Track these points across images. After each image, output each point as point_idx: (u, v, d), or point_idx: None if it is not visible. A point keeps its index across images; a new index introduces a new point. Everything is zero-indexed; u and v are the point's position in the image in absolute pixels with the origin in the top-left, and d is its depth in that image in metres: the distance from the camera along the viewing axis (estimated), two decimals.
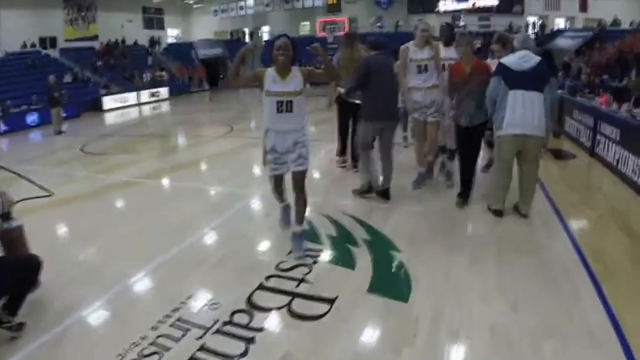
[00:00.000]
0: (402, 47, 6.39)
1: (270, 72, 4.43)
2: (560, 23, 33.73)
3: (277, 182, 4.94)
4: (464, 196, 5.89)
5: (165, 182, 8.17)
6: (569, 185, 6.96)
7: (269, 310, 3.74)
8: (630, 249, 4.63)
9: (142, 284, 4.38)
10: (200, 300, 3.93)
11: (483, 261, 4.37)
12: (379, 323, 3.53)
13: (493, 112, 5.31)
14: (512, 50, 5.41)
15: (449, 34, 6.73)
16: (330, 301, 3.78)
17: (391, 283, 4.09)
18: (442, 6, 33.57)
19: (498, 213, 5.51)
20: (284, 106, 4.40)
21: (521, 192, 5.51)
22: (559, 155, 8.67)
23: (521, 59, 5.13)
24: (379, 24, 35.22)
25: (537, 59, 5.17)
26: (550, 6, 33.90)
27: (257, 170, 8.34)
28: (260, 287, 4.11)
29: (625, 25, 28.84)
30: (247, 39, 39.08)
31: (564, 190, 6.62)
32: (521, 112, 5.07)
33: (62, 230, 6.14)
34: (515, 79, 5.08)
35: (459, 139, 5.93)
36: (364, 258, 4.55)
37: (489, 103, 5.30)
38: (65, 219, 6.45)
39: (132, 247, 5.24)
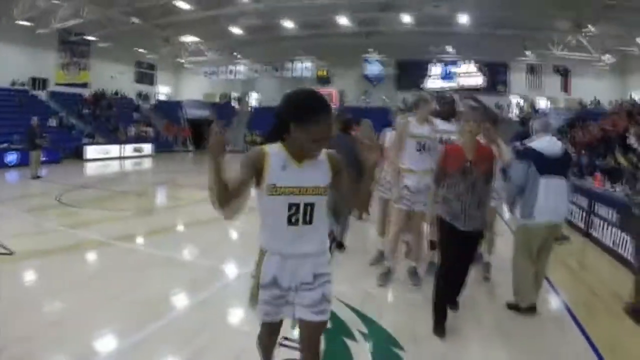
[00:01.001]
0: (400, 120, 5.76)
1: (276, 152, 2.60)
2: (542, 103, 34.61)
3: (272, 331, 2.99)
4: (442, 324, 4.41)
5: (140, 246, 7.55)
6: (569, 270, 6.67)
7: None
8: None
9: None
10: None
11: None
12: None
13: (513, 201, 4.96)
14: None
15: (451, 107, 5.86)
16: None
17: None
18: (429, 84, 34.17)
19: (533, 309, 4.91)
20: (301, 213, 2.62)
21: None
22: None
23: (550, 144, 4.84)
24: (363, 98, 35.82)
25: (561, 144, 4.95)
26: (533, 86, 34.82)
27: (239, 244, 7.87)
28: None
29: (605, 105, 29.64)
30: (234, 102, 39.41)
31: (566, 277, 6.33)
32: (554, 200, 4.73)
33: (15, 292, 5.22)
34: (547, 165, 4.77)
35: (446, 246, 4.53)
36: (361, 355, 3.97)
37: (515, 190, 4.87)
38: (24, 278, 5.75)
39: (96, 321, 4.51)
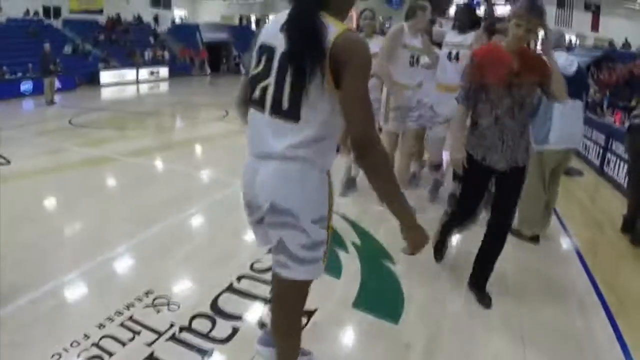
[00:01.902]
0: (394, 27, 5.11)
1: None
2: (571, 39, 33.48)
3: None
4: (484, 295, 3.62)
5: (147, 161, 7.60)
6: (579, 206, 6.47)
7: (235, 318, 3.18)
8: None
9: (94, 274, 3.78)
10: (158, 299, 3.38)
11: (488, 286, 3.68)
12: (362, 346, 2.99)
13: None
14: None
15: (466, 15, 5.19)
16: (308, 314, 3.19)
17: (381, 299, 3.52)
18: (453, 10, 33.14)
19: (536, 239, 4.81)
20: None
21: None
22: (566, 171, 8.15)
23: (567, 62, 4.39)
24: (387, 25, 34.88)
25: (576, 61, 4.56)
26: (562, 21, 33.59)
27: (240, 158, 7.80)
28: (230, 288, 3.55)
29: (634, 48, 28.65)
30: (253, 25, 38.64)
31: (575, 212, 6.13)
32: (569, 124, 4.48)
33: (18, 206, 5.35)
34: None
35: (473, 189, 3.58)
36: (352, 266, 3.98)
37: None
38: (29, 193, 5.86)
39: (91, 231, 4.68)
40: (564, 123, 4.46)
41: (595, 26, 33.02)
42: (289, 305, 2.12)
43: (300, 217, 1.82)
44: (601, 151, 8.49)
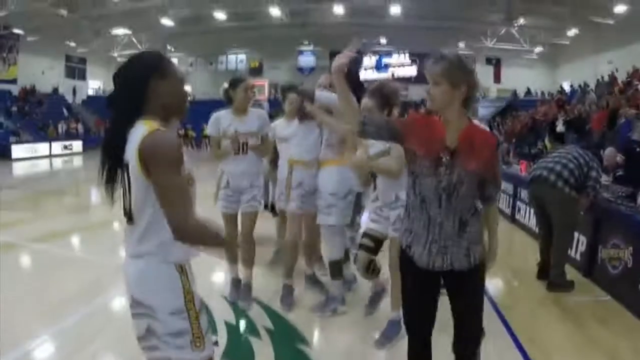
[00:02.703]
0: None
1: None
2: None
3: None
4: None
5: (52, 247, 7.21)
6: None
7: None
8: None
9: None
10: None
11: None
12: None
13: None
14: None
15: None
16: None
17: None
18: (362, 75, 34.51)
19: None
20: None
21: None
22: None
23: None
24: None
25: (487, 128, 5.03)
26: None
27: None
28: None
29: (537, 94, 30.71)
30: None
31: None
32: None
33: None
34: None
35: (415, 302, 2.73)
36: (266, 351, 3.90)
37: None
38: None
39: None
40: None
41: (497, 78, 35.35)
42: None
43: (156, 309, 1.96)
44: (511, 200, 9.00)
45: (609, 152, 8.43)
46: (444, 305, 2.68)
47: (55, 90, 32.32)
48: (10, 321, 4.39)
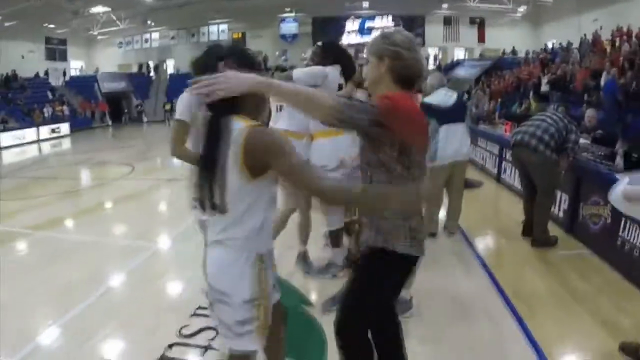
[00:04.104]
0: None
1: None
2: (459, 54, 35.57)
3: None
4: None
5: (56, 234, 7.40)
6: (482, 216, 7.20)
7: None
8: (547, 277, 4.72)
9: None
10: None
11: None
12: None
13: None
14: None
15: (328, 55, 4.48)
16: None
17: (304, 345, 3.70)
18: (345, 40, 34.45)
19: (433, 235, 6.06)
20: None
21: (449, 213, 6.26)
22: (466, 183, 8.75)
23: (446, 97, 5.79)
24: (284, 57, 35.73)
25: (455, 94, 5.93)
26: (450, 38, 35.76)
27: (152, 219, 8.07)
28: (163, 358, 3.64)
29: (521, 54, 30.77)
30: (152, 72, 38.50)
31: (477, 222, 6.82)
32: (454, 143, 5.73)
33: None
34: (445, 115, 5.66)
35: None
36: None
37: None
38: None
39: (7, 319, 4.40)
40: (449, 142, 5.63)
41: (481, 38, 35.37)
42: None
43: (231, 296, 2.07)
44: (497, 160, 9.24)
45: (589, 112, 8.70)
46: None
47: (37, 74, 31.97)
48: (20, 311, 4.60)
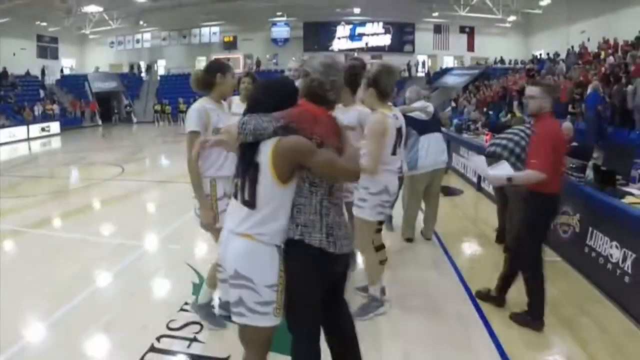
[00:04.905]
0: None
1: None
2: (449, 62, 35.93)
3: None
4: None
5: (50, 232, 7.62)
6: (460, 223, 7.46)
7: None
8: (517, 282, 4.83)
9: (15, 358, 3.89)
10: None
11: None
12: None
13: None
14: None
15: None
16: None
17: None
18: (336, 45, 34.73)
19: (410, 240, 6.37)
20: None
21: (426, 219, 6.57)
22: (447, 191, 9.10)
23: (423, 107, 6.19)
24: (274, 61, 35.96)
25: (432, 106, 6.41)
26: (440, 46, 36.10)
27: (141, 219, 8.24)
28: (152, 349, 3.89)
29: (510, 63, 31.12)
30: (143, 72, 38.59)
31: (454, 227, 7.10)
32: (433, 152, 6.10)
33: None
34: (424, 126, 6.08)
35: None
36: None
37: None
38: None
39: (6, 314, 4.60)
40: (430, 151, 6.01)
41: (471, 47, 35.70)
42: (249, 346, 2.64)
43: (256, 282, 2.40)
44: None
45: (565, 125, 8.96)
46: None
47: (28, 71, 31.94)
48: (10, 308, 4.73)
